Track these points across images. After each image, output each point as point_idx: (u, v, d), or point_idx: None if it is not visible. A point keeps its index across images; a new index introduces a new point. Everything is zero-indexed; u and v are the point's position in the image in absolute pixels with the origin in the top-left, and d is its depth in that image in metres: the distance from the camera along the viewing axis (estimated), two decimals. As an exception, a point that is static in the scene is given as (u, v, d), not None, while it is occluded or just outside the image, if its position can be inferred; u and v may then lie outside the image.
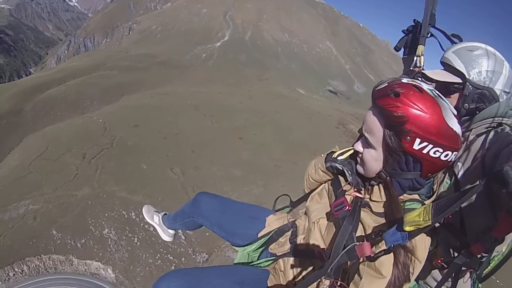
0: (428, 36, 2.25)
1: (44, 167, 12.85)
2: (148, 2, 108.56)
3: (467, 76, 1.75)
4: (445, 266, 1.62)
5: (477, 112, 1.76)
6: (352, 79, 76.84)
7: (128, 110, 19.29)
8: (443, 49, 2.02)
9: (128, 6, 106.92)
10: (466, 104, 1.79)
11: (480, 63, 1.77)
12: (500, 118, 1.70)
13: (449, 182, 1.74)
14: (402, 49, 2.42)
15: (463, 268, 1.55)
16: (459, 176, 1.69)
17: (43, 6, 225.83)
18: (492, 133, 1.66)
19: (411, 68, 2.19)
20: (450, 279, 1.61)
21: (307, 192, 1.93)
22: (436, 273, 1.81)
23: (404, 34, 2.45)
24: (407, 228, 1.14)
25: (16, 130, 27.05)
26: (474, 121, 1.77)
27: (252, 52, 57.32)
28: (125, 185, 12.44)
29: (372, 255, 1.25)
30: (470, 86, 1.76)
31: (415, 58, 2.23)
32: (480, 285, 1.78)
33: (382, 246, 1.25)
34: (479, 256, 1.44)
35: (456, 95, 1.80)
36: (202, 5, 76.74)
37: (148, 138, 15.34)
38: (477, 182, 1.32)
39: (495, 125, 1.71)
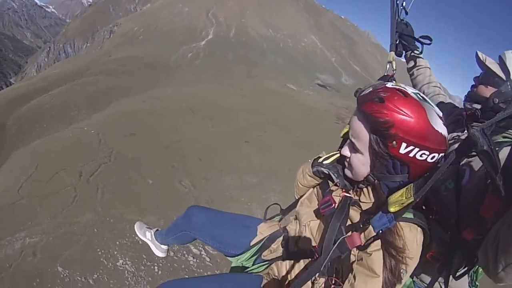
0: (397, 42, 2.48)
1: (36, 191, 11.13)
2: (128, 4, 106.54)
3: (511, 77, 1.86)
4: (439, 258, 1.76)
5: (494, 113, 1.70)
6: (339, 71, 76.70)
7: (121, 118, 17.78)
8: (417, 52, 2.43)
9: (107, 9, 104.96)
10: (496, 99, 1.88)
11: None
12: None
13: (451, 184, 1.82)
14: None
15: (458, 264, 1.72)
16: (464, 181, 1.79)
17: (20, 14, 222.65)
18: (506, 149, 1.69)
19: (386, 74, 2.30)
20: (444, 273, 1.73)
21: (296, 198, 2.08)
22: (431, 270, 1.90)
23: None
24: (392, 209, 1.26)
25: (-1, 147, 28.34)
26: (493, 122, 1.59)
27: (238, 49, 56.49)
28: (133, 205, 10.94)
29: (362, 244, 1.38)
30: (509, 86, 1.87)
31: (387, 64, 2.36)
32: (478, 283, 1.91)
33: (371, 233, 1.37)
34: (470, 240, 1.51)
35: (492, 89, 1.91)
36: (183, 4, 75.45)
37: (148, 148, 13.91)
38: (480, 190, 1.60)
39: (510, 138, 1.79)
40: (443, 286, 1.82)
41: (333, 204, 1.56)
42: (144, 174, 12.18)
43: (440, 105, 2.31)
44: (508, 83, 1.87)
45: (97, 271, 9.02)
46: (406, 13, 2.48)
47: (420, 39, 2.36)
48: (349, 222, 1.52)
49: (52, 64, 72.76)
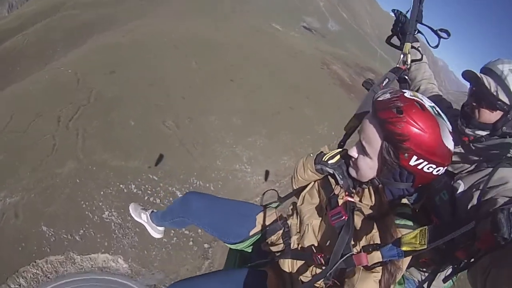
0: (416, 33, 2.29)
1: (13, 143, 10.25)
2: None
3: None
4: (431, 264, 1.91)
5: (499, 137, 1.87)
6: (327, 17, 74.78)
7: (99, 54, 16.75)
8: (430, 45, 2.26)
9: None
10: (505, 127, 1.85)
11: None
12: None
13: (446, 195, 1.84)
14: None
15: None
16: (457, 193, 1.85)
17: None
18: (501, 171, 1.72)
19: (398, 66, 2.23)
20: (433, 277, 1.85)
21: (294, 188, 2.09)
22: (420, 267, 2.07)
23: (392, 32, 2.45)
24: (404, 248, 1.30)
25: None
26: (492, 143, 1.88)
27: (226, -17, 53.59)
28: (117, 150, 10.30)
29: (369, 265, 1.41)
30: None
31: (401, 55, 2.25)
32: (455, 277, 1.91)
33: (378, 257, 1.41)
34: (462, 259, 1.55)
35: (499, 113, 1.82)
36: None
37: (129, 87, 13.14)
38: (471, 205, 1.72)
39: (504, 159, 1.79)
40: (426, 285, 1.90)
41: (344, 217, 1.53)
42: (126, 115, 11.61)
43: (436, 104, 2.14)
44: None
45: (82, 226, 8.71)
46: (421, 2, 2.29)
47: (439, 32, 2.21)
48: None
49: (25, 2, 68.62)
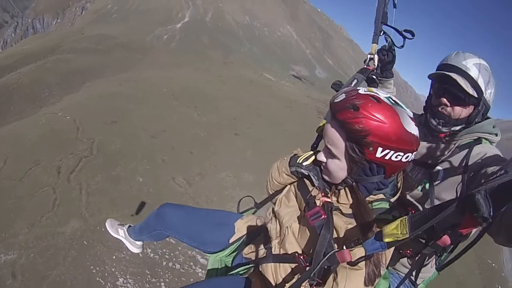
0: (381, 34, 2.32)
1: (8, 192, 9.21)
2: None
3: (484, 95, 1.92)
4: (414, 255, 1.95)
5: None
6: (313, 64, 77.17)
7: (98, 102, 16.26)
8: (396, 46, 2.31)
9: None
10: (477, 119, 1.99)
11: (492, 85, 1.95)
12: (483, 134, 1.97)
13: (428, 183, 2.00)
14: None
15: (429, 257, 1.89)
16: (437, 181, 1.97)
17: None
18: (477, 147, 1.91)
19: (365, 66, 2.26)
20: (418, 267, 1.86)
21: (270, 193, 2.11)
22: (404, 260, 2.13)
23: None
24: (387, 240, 1.25)
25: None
26: (461, 134, 2.02)
27: (214, 34, 55.41)
28: (126, 209, 9.39)
29: (352, 260, 1.36)
30: (483, 104, 1.95)
31: (368, 56, 2.29)
32: (438, 272, 2.16)
33: (361, 253, 1.35)
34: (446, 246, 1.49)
35: (471, 108, 1.96)
36: (159, -17, 73.33)
37: (132, 139, 12.58)
38: (453, 190, 1.84)
39: (475, 138, 1.98)
40: (413, 275, 1.92)
41: (323, 216, 1.54)
42: (133, 170, 10.93)
43: None
44: (482, 101, 1.95)
45: (94, 293, 7.75)
46: (395, 5, 2.39)
47: (403, 32, 2.27)
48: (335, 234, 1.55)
49: (19, 40, 68.43)
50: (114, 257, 8.33)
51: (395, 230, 1.24)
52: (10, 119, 17.75)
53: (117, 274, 7.90)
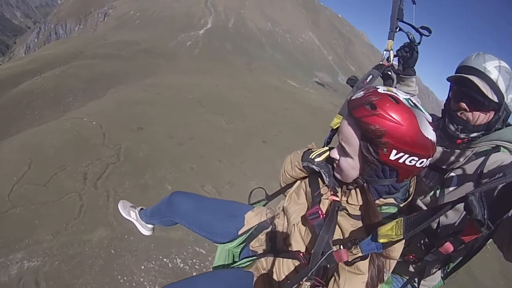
0: (397, 30, 2.29)
1: (32, 196, 8.77)
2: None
3: (505, 100, 1.79)
4: (416, 261, 1.80)
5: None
6: (336, 70, 76.73)
7: (124, 108, 15.88)
8: (412, 42, 2.19)
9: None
10: (497, 125, 1.86)
11: None
12: (502, 142, 1.83)
13: (439, 189, 1.90)
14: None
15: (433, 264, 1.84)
16: (450, 187, 1.87)
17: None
18: (494, 155, 1.77)
19: (381, 62, 2.24)
20: (420, 274, 1.88)
21: (282, 186, 2.12)
22: (407, 266, 2.06)
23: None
24: (381, 240, 1.25)
25: (-18, 137, 22.05)
26: (479, 141, 1.88)
27: (237, 41, 55.49)
28: None
29: (350, 260, 1.37)
30: (504, 110, 1.82)
31: (384, 52, 2.26)
32: (443, 281, 2.09)
33: (359, 252, 1.35)
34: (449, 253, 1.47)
35: (492, 113, 1.82)
36: (181, -11, 74.31)
37: (160, 146, 12.11)
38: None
39: (493, 146, 1.83)
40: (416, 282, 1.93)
41: (321, 216, 1.54)
42: (161, 178, 10.40)
43: None
44: (503, 107, 1.82)
45: (122, 304, 7.23)
46: (414, 2, 2.34)
47: (420, 29, 2.20)
48: (338, 230, 1.52)
49: (42, 46, 69.93)
50: (142, 267, 7.70)
51: (390, 231, 1.22)
52: (34, 124, 17.48)
53: (145, 285, 7.27)
